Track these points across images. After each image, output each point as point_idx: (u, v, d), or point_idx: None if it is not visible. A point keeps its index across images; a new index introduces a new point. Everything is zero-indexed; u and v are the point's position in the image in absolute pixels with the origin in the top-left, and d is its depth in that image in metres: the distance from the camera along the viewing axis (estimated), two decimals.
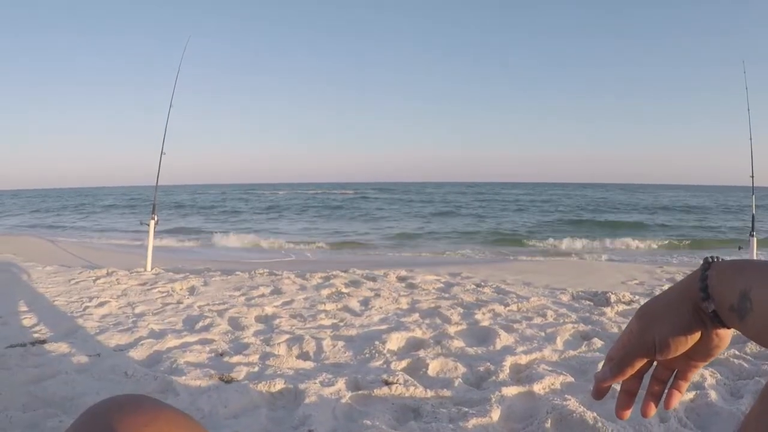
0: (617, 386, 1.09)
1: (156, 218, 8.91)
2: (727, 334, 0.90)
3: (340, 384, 3.46)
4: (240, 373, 3.71)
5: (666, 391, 1.08)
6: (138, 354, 4.13)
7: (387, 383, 3.48)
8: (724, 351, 4.42)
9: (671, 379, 1.07)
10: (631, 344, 0.96)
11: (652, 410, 1.08)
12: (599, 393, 1.10)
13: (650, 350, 0.93)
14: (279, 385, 3.43)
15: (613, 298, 6.45)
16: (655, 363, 1.05)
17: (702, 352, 0.94)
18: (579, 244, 17.40)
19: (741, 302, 0.77)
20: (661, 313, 0.92)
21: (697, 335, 0.89)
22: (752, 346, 4.45)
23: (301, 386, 3.38)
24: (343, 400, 3.24)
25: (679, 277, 9.06)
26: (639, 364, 0.99)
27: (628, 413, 1.10)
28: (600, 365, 3.91)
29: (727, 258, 0.90)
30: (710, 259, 0.89)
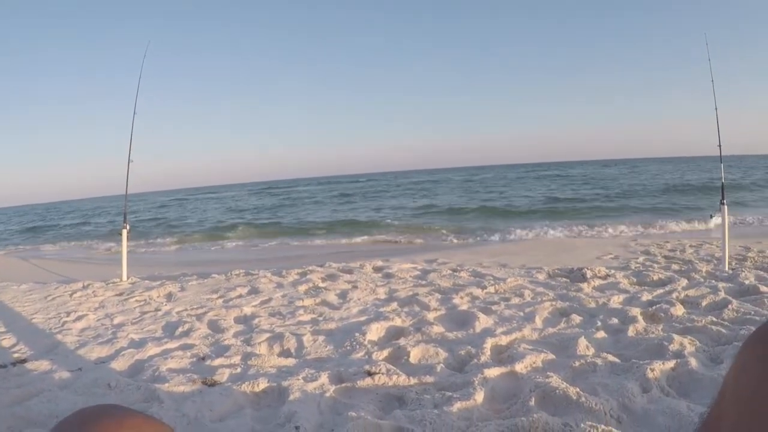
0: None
1: (128, 227, 8.84)
2: None
3: (324, 378, 3.49)
4: (223, 375, 3.72)
5: None
6: (119, 365, 4.12)
7: (370, 374, 3.51)
8: (701, 318, 4.50)
9: None
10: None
11: None
12: None
13: None
14: (262, 384, 3.45)
15: (589, 273, 6.54)
16: None
17: None
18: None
19: None
20: None
21: None
22: (729, 313, 4.54)
23: (285, 384, 3.40)
24: (328, 394, 3.27)
25: (653, 250, 9.18)
26: None
27: None
28: (579, 341, 3.98)
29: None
30: None
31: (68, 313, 6.03)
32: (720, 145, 7.72)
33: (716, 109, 7.83)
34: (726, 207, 7.56)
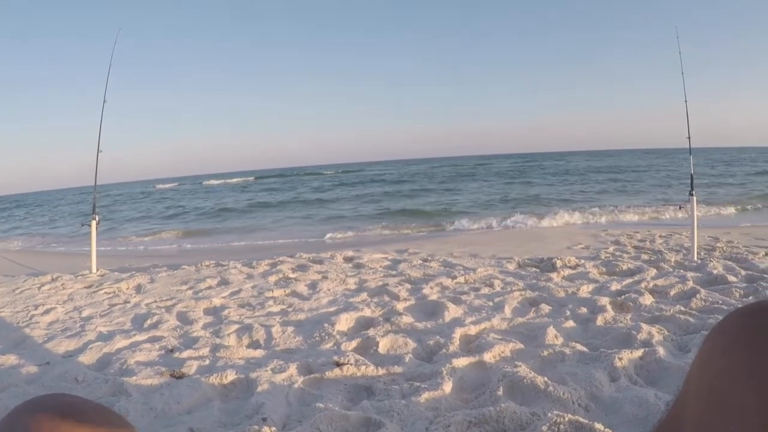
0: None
1: (98, 218, 8.74)
2: None
3: (292, 369, 3.48)
4: (191, 367, 3.70)
5: None
6: (87, 358, 4.08)
7: (338, 365, 3.51)
8: (669, 307, 4.53)
9: None
10: None
11: None
12: None
13: None
14: (230, 376, 3.44)
15: (558, 263, 6.59)
16: None
17: None
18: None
19: None
20: None
21: None
22: (697, 302, 4.60)
23: (253, 375, 3.39)
24: (296, 385, 3.27)
25: (623, 240, 9.27)
26: None
27: None
28: (548, 330, 4.01)
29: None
30: None
31: (36, 306, 5.96)
32: (689, 137, 7.85)
33: (686, 101, 7.96)
34: (695, 198, 7.67)
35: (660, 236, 9.48)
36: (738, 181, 26.80)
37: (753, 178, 28.01)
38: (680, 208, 8.13)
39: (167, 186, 63.26)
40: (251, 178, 64.97)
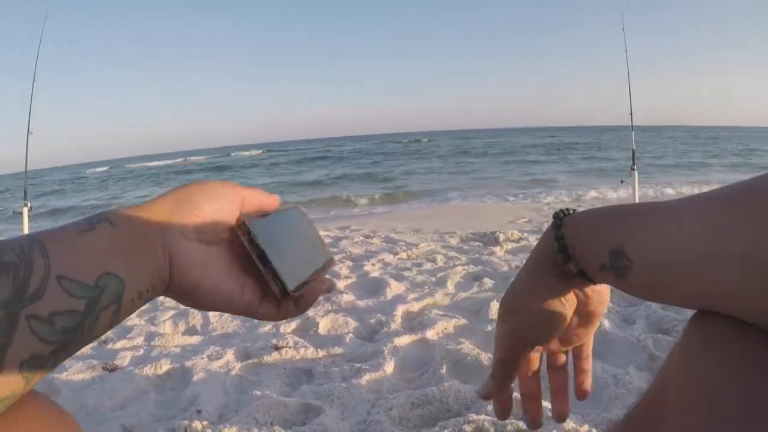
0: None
1: (29, 205, 8.40)
2: (604, 288, 0.82)
3: (229, 355, 3.37)
4: (125, 359, 3.55)
5: (573, 378, 0.99)
6: None
7: (277, 348, 3.41)
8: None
9: (569, 362, 0.99)
10: (504, 344, 0.84)
11: (567, 407, 0.99)
12: (501, 410, 0.98)
13: (526, 341, 0.82)
14: (165, 366, 3.30)
15: (502, 237, 6.58)
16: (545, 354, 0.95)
17: (586, 317, 0.85)
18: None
19: (615, 260, 0.67)
20: (522, 295, 0.80)
21: (573, 302, 0.80)
22: None
23: (188, 364, 3.27)
24: (233, 372, 3.16)
25: None
26: (522, 362, 0.88)
27: (539, 421, 1.00)
28: (492, 305, 3.96)
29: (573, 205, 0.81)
30: (561, 214, 0.79)
31: None
32: (631, 114, 8.13)
33: (629, 78, 8.23)
34: (636, 172, 7.89)
35: None
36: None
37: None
38: (622, 182, 8.38)
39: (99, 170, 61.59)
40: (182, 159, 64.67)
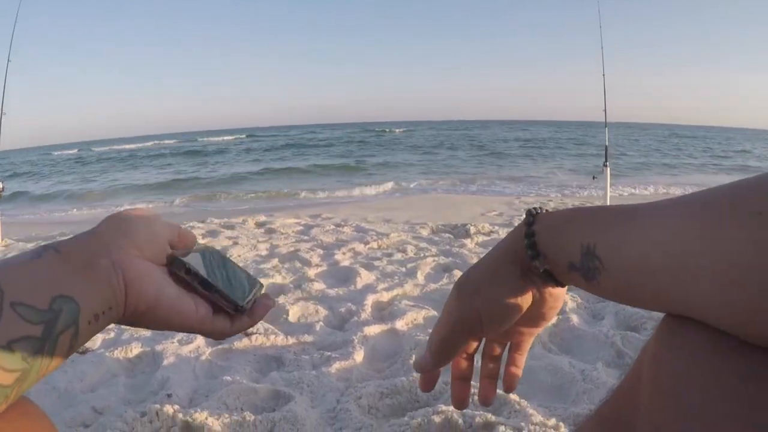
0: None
1: (1, 185, 8.30)
2: (561, 293, 0.82)
3: (199, 340, 3.38)
4: (95, 341, 3.52)
5: (503, 370, 1.00)
6: None
7: (247, 334, 3.43)
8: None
9: (505, 355, 0.99)
10: (451, 324, 0.82)
11: (492, 394, 1.01)
12: (426, 384, 0.98)
13: (475, 327, 0.80)
14: (136, 349, 3.31)
15: (472, 229, 6.63)
16: (484, 339, 0.95)
17: (535, 318, 0.85)
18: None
19: (586, 260, 0.67)
20: (483, 281, 0.79)
21: (528, 300, 0.79)
22: None
23: (158, 348, 3.27)
24: (203, 357, 3.18)
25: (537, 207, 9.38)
26: (464, 344, 0.86)
27: (466, 402, 1.01)
28: None
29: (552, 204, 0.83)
30: (534, 211, 0.79)
31: None
32: (605, 110, 8.17)
33: (603, 75, 8.26)
34: (608, 168, 7.94)
35: (573, 204, 9.66)
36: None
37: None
38: (594, 178, 8.45)
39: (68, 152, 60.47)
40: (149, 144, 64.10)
